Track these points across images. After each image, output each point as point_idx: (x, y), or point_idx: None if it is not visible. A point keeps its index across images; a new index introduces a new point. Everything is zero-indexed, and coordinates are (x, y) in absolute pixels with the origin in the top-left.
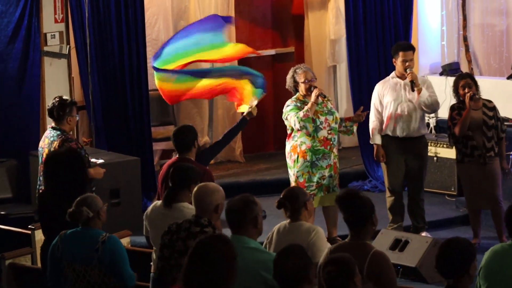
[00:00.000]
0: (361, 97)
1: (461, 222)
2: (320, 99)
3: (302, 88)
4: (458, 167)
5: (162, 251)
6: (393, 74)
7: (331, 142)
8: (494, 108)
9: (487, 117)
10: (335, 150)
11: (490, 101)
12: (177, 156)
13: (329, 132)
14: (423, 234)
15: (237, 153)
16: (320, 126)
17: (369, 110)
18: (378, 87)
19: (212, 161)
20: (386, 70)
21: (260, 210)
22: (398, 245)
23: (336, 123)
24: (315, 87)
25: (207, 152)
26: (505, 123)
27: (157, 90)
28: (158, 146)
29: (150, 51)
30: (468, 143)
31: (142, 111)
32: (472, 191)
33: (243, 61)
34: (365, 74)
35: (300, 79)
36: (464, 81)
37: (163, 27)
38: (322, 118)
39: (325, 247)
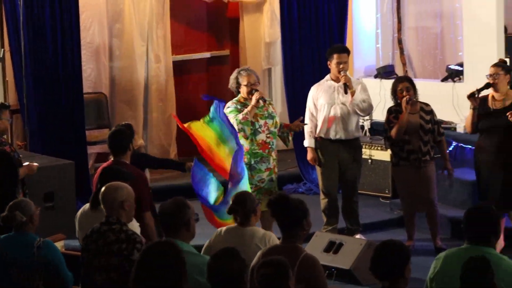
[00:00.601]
0: (295, 100)
1: (395, 224)
2: (260, 103)
3: (243, 90)
4: (393, 170)
5: (82, 254)
6: (327, 77)
7: (270, 146)
8: (431, 112)
9: (424, 121)
10: (274, 154)
11: (427, 105)
12: (112, 159)
13: (268, 136)
14: (357, 236)
15: (172, 156)
16: (259, 129)
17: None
18: (313, 90)
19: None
20: (320, 73)
21: (192, 213)
22: (333, 247)
23: (275, 127)
24: (257, 90)
25: (145, 159)
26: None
27: (91, 93)
28: (93, 150)
29: (84, 54)
30: (404, 147)
31: (76, 114)
32: (408, 195)
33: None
34: (299, 77)
35: (243, 81)
36: (402, 84)
37: (98, 30)
38: (262, 122)
39: None
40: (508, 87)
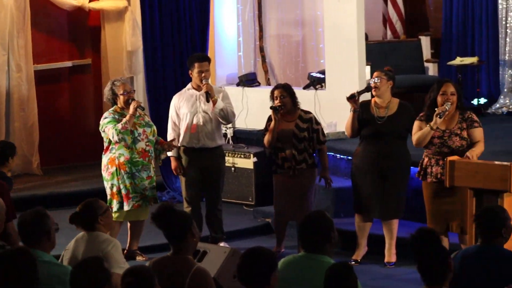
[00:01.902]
0: (158, 108)
1: (259, 232)
2: (138, 111)
3: (120, 100)
4: (273, 178)
5: None
6: (189, 85)
7: (149, 154)
8: (310, 120)
9: (299, 129)
10: (153, 162)
11: (308, 113)
12: None
13: (147, 144)
14: (221, 244)
15: (34, 166)
16: (138, 137)
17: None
18: (175, 99)
19: (9, 174)
20: (183, 81)
21: (53, 223)
22: (197, 255)
23: (153, 135)
24: (134, 99)
25: None
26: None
27: None
28: None
29: None
30: (278, 154)
31: None
32: (283, 202)
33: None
34: (162, 85)
35: (119, 91)
36: (278, 91)
37: None
38: (140, 130)
39: (121, 259)
40: (391, 95)
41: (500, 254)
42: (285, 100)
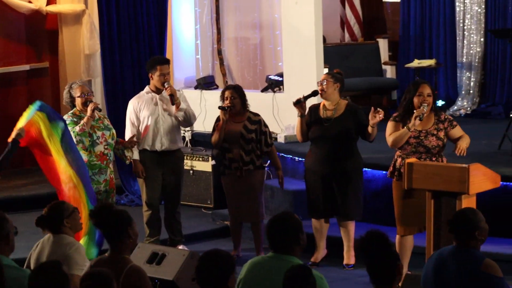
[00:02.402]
0: (117, 112)
1: (218, 235)
2: (96, 114)
3: (78, 102)
4: (222, 179)
5: None
6: (147, 88)
7: (108, 157)
8: (258, 122)
9: (247, 131)
10: (111, 166)
11: (256, 115)
12: None
13: (106, 147)
14: (180, 247)
15: None
16: (97, 140)
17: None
18: (134, 102)
19: None
20: (141, 84)
21: (11, 227)
22: (155, 258)
23: (112, 139)
24: (91, 101)
25: None
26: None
27: None
28: None
29: None
30: (226, 155)
31: None
32: (233, 204)
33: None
34: (120, 89)
35: (76, 93)
36: (229, 91)
37: None
38: (99, 133)
39: (83, 261)
40: (339, 97)
41: (473, 257)
42: (235, 101)
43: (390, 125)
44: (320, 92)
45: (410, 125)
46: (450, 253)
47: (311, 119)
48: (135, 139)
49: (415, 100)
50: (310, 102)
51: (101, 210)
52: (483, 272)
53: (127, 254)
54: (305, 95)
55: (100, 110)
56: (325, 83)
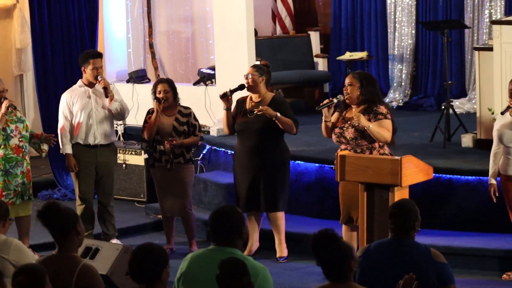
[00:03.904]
0: (48, 106)
1: (151, 229)
2: (10, 110)
3: None
4: (151, 172)
5: None
6: (80, 82)
7: (23, 150)
8: (189, 115)
9: (178, 123)
10: (27, 158)
11: (187, 108)
12: None
13: (20, 139)
14: (114, 241)
15: None
16: (11, 134)
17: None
18: (66, 96)
19: None
20: (73, 78)
21: None
22: (89, 253)
23: (26, 131)
24: (6, 98)
25: None
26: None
27: None
28: None
29: None
30: (157, 148)
31: None
32: (163, 197)
33: None
34: (52, 83)
35: None
36: (162, 85)
37: None
38: (13, 126)
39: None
40: (266, 89)
41: (419, 247)
42: (168, 95)
43: (333, 116)
44: (246, 85)
45: (323, 116)
46: (392, 245)
47: (237, 111)
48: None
49: (344, 91)
50: (240, 94)
51: (48, 209)
52: (435, 262)
53: (75, 251)
54: (231, 88)
55: (15, 108)
56: (250, 76)
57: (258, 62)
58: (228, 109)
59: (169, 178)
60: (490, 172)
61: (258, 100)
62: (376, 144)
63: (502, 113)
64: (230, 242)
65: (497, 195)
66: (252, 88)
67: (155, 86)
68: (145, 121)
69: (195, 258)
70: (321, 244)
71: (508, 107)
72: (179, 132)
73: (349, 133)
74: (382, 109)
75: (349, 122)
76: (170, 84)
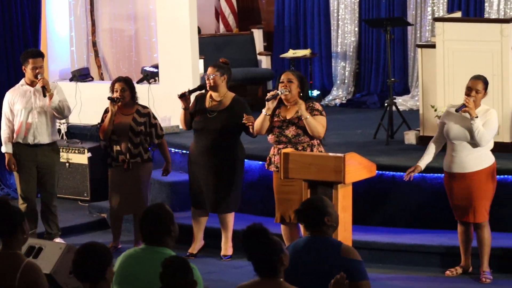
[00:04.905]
0: None
1: (95, 227)
2: None
3: None
4: (109, 171)
5: None
6: (22, 81)
7: None
8: (147, 115)
9: (136, 123)
10: None
11: (145, 107)
12: None
13: None
14: (57, 240)
15: None
16: None
17: None
18: (8, 95)
19: None
20: (16, 77)
21: None
22: (32, 252)
23: None
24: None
25: None
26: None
27: None
28: None
29: None
30: (113, 148)
31: None
32: (117, 196)
33: None
34: None
35: None
36: (119, 84)
37: None
38: None
39: None
40: (226, 88)
41: (330, 244)
42: (124, 94)
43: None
44: (208, 86)
45: (265, 109)
46: (306, 243)
47: (196, 109)
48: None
49: (279, 86)
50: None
51: None
52: (343, 258)
53: (19, 249)
54: (190, 89)
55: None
56: (212, 77)
57: (201, 61)
58: (186, 108)
59: (125, 177)
60: (424, 155)
61: (218, 99)
62: (315, 142)
63: (457, 111)
64: (159, 242)
65: (411, 179)
66: (214, 88)
67: (112, 85)
68: (102, 120)
69: (126, 258)
70: (251, 238)
71: (463, 105)
72: (136, 132)
73: (291, 130)
74: (318, 106)
75: (287, 120)
76: (127, 83)
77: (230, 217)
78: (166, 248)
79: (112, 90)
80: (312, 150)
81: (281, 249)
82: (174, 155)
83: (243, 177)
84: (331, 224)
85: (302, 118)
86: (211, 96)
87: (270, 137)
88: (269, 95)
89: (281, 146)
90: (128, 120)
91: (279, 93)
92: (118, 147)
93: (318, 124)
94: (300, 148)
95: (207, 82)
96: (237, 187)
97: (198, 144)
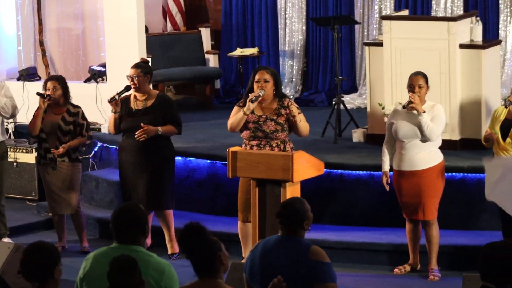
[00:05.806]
0: None
1: (43, 227)
2: None
3: None
4: (39, 169)
5: None
6: None
7: None
8: (77, 114)
9: (64, 123)
10: None
11: (76, 107)
12: None
13: None
14: (5, 240)
15: None
16: None
17: None
18: None
19: None
20: None
21: None
22: None
23: None
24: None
25: None
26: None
27: None
28: None
29: None
30: (42, 145)
31: None
32: (50, 195)
33: None
34: None
35: None
36: (51, 82)
37: None
38: None
39: None
40: (150, 86)
41: (300, 245)
42: (56, 93)
43: (234, 110)
44: (132, 87)
45: (245, 109)
46: (277, 242)
47: (122, 112)
48: None
49: (254, 86)
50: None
51: None
52: (310, 259)
53: None
54: (118, 92)
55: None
56: (136, 78)
57: (149, 60)
58: (116, 112)
59: (54, 176)
60: (383, 159)
61: (143, 98)
62: (287, 138)
63: (404, 107)
64: (133, 240)
65: (388, 182)
66: (139, 88)
67: (45, 83)
68: (33, 116)
69: (98, 257)
70: (188, 237)
71: (410, 102)
72: (64, 131)
73: (269, 126)
74: (295, 104)
75: (264, 116)
76: (59, 82)
77: (168, 215)
78: (139, 247)
79: (45, 88)
80: (285, 147)
81: (219, 248)
82: None
83: (174, 174)
84: (306, 228)
85: (296, 122)
86: (135, 96)
87: (245, 133)
88: (252, 96)
89: (254, 143)
90: (57, 119)
91: (261, 94)
92: (46, 145)
93: (307, 124)
94: (274, 145)
95: (131, 84)
96: (169, 184)
97: (126, 144)
